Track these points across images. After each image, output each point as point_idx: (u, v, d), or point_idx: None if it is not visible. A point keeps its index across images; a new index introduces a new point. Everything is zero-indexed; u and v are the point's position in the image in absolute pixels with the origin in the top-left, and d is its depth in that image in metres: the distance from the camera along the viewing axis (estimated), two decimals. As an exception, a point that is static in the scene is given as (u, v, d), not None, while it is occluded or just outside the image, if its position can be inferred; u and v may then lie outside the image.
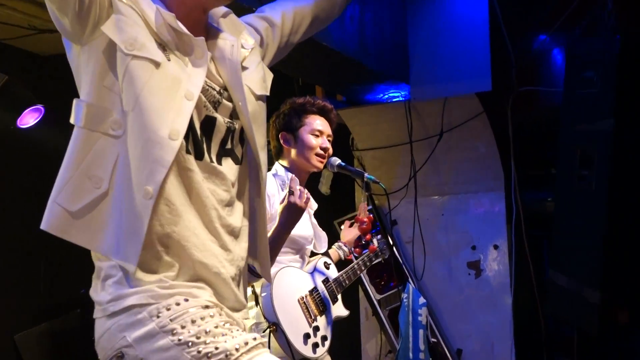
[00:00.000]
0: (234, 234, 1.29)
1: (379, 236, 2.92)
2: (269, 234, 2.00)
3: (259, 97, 1.33)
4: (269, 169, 2.52)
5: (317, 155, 2.58)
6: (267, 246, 1.36)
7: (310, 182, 2.72)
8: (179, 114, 1.19)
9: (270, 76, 1.37)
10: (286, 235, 2.19)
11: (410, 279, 4.17)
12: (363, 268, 2.87)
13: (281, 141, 2.59)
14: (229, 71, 1.27)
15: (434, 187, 4.44)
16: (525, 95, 4.01)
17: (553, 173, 3.89)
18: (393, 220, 4.45)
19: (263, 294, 2.37)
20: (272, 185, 2.42)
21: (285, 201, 2.17)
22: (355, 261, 2.85)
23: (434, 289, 4.36)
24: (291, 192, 2.17)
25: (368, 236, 2.77)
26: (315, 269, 2.63)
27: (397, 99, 4.21)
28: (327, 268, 2.72)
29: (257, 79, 1.33)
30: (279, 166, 2.59)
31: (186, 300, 1.17)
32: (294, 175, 2.43)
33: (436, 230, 4.43)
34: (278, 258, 2.43)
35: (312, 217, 2.66)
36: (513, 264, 4.13)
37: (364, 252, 2.95)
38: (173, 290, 1.17)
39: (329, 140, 2.64)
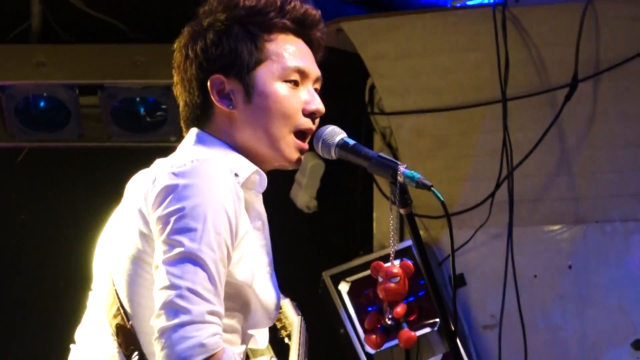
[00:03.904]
0: None
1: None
2: None
3: None
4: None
5: (300, 132, 2.63)
6: None
7: (275, 179, 2.75)
8: None
9: None
10: None
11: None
12: None
13: (213, 95, 2.62)
14: None
15: (554, 203, 4.49)
16: None
17: None
18: (459, 275, 4.52)
19: None
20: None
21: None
22: None
23: None
24: None
25: (399, 309, 2.65)
26: None
27: (473, 2, 4.33)
28: None
29: None
30: (204, 136, 2.64)
31: None
32: None
33: (554, 300, 4.49)
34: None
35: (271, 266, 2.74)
36: None
37: (389, 344, 2.87)
38: None
39: (316, 90, 2.69)
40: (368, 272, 4.19)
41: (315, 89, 2.65)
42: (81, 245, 2.96)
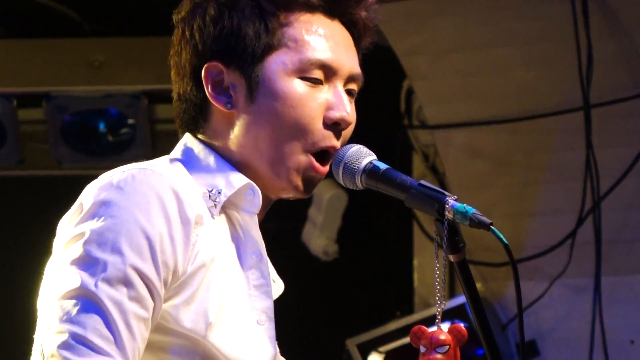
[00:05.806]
0: None
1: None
2: None
3: None
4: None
5: (318, 154, 2.58)
6: None
7: (282, 214, 3.11)
8: None
9: None
10: None
11: None
12: None
13: (207, 88, 2.60)
14: None
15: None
16: None
17: None
18: (529, 342, 4.56)
19: None
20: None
21: None
22: None
23: None
24: None
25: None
26: None
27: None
28: None
29: None
30: (195, 145, 2.62)
31: None
32: None
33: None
34: None
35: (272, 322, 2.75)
36: None
37: None
38: None
39: (350, 93, 2.62)
40: (407, 339, 4.25)
41: (350, 92, 2.55)
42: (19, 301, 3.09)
